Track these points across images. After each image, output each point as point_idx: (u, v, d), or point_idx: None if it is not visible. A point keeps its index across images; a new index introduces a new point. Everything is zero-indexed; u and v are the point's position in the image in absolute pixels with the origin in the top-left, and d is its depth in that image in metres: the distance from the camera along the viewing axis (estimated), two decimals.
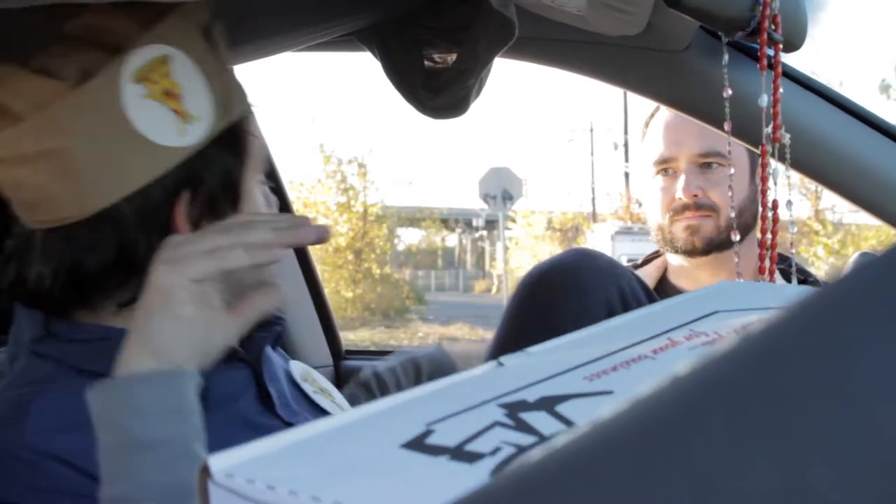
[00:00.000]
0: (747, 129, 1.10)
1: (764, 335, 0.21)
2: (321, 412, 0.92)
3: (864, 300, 0.20)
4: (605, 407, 0.21)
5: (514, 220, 23.95)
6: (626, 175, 22.81)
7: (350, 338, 12.26)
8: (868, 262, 0.21)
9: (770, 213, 0.81)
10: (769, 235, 0.84)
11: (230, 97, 0.82)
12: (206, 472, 0.29)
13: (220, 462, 0.29)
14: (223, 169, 0.81)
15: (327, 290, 2.01)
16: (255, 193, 0.87)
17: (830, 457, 0.17)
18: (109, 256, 0.77)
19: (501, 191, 16.00)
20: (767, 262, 0.88)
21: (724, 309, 0.50)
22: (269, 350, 0.93)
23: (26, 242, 0.79)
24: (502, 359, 0.41)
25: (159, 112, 0.76)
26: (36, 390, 0.75)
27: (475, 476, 0.29)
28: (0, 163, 0.76)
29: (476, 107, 1.15)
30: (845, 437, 0.17)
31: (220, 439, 0.78)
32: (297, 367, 0.98)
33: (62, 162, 0.74)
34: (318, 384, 0.99)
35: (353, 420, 0.34)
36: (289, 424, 0.85)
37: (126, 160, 0.75)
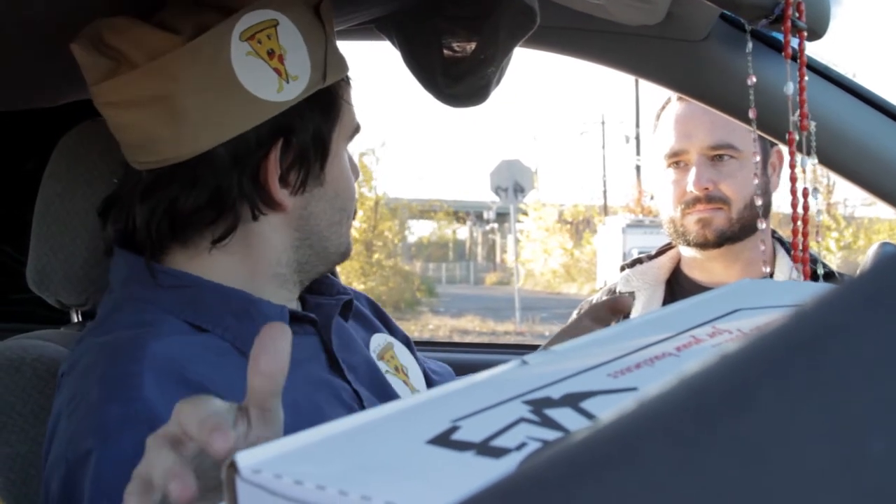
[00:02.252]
0: (768, 119, 1.10)
1: (814, 311, 0.21)
2: (388, 392, 0.95)
3: None
4: (651, 387, 0.21)
5: (525, 213, 23.95)
6: (638, 168, 22.76)
7: None
8: None
9: (795, 201, 0.81)
10: (797, 225, 0.83)
11: (328, 65, 0.88)
12: (233, 467, 0.29)
13: (247, 458, 0.29)
14: (314, 126, 0.87)
15: None
16: (343, 157, 0.94)
17: (888, 427, 0.17)
18: (203, 196, 0.84)
19: (513, 183, 15.97)
20: (800, 252, 0.87)
21: (746, 307, 0.50)
22: (340, 321, 0.97)
23: (131, 184, 0.88)
24: (526, 357, 0.40)
25: (262, 69, 0.83)
26: (140, 333, 0.81)
27: (501, 470, 0.28)
28: (113, 105, 0.84)
29: (488, 99, 1.15)
30: None
31: (296, 396, 0.81)
32: (377, 341, 1.04)
33: (169, 107, 0.82)
34: (395, 361, 1.03)
35: (379, 417, 0.34)
36: (355, 390, 0.90)
37: (227, 109, 0.82)
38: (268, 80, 0.83)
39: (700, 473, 0.18)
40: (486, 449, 0.30)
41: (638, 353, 0.41)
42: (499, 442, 0.31)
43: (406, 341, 1.10)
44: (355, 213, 0.98)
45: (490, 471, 0.29)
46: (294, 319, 0.88)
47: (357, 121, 0.95)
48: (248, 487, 0.29)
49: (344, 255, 0.96)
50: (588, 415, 0.34)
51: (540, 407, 0.34)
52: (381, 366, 0.99)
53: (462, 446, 0.31)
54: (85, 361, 0.82)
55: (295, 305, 0.95)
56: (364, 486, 0.27)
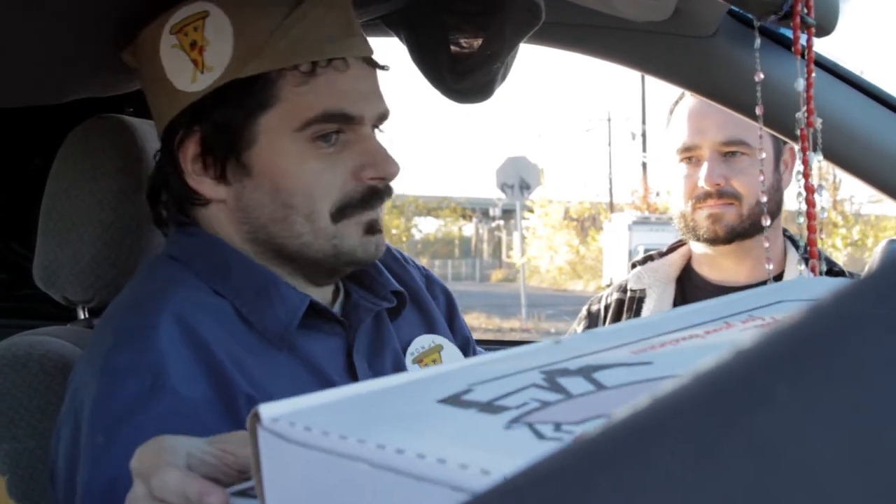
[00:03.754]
0: (777, 116, 1.09)
1: (829, 306, 0.20)
2: None
3: None
4: (666, 383, 0.21)
5: (531, 210, 23.95)
6: (644, 165, 22.73)
7: None
8: None
9: (811, 198, 0.80)
10: (813, 221, 0.83)
11: (262, 54, 0.84)
12: (256, 417, 0.33)
13: (269, 409, 0.33)
14: (223, 116, 0.87)
15: None
16: (285, 148, 0.86)
17: None
18: (160, 182, 0.94)
19: (519, 180, 15.97)
20: (814, 250, 0.87)
21: (789, 299, 0.50)
22: (385, 318, 0.96)
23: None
24: (560, 338, 0.42)
25: (181, 60, 0.87)
26: (163, 287, 0.85)
27: (492, 425, 0.31)
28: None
29: (494, 96, 1.15)
30: None
31: (290, 385, 0.81)
32: (420, 343, 0.99)
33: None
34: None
35: (402, 382, 0.36)
36: None
37: (159, 101, 0.91)
38: (185, 70, 0.87)
39: (715, 470, 0.18)
40: (488, 407, 0.33)
41: (666, 336, 0.42)
42: (502, 402, 0.33)
43: (465, 343, 1.06)
44: (340, 213, 0.88)
45: (482, 425, 0.31)
46: (315, 313, 0.87)
47: (321, 110, 0.86)
48: (267, 434, 0.32)
49: (335, 259, 0.89)
50: (597, 384, 0.35)
51: (554, 376, 0.36)
52: (414, 370, 0.95)
53: (468, 405, 0.33)
54: (107, 313, 0.88)
55: (321, 298, 0.91)
56: (369, 434, 0.30)
